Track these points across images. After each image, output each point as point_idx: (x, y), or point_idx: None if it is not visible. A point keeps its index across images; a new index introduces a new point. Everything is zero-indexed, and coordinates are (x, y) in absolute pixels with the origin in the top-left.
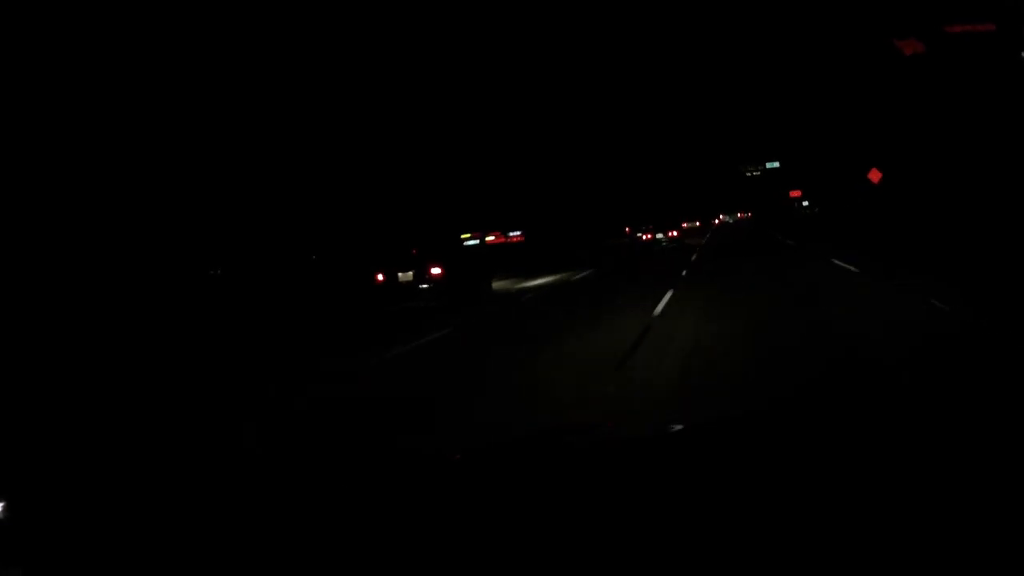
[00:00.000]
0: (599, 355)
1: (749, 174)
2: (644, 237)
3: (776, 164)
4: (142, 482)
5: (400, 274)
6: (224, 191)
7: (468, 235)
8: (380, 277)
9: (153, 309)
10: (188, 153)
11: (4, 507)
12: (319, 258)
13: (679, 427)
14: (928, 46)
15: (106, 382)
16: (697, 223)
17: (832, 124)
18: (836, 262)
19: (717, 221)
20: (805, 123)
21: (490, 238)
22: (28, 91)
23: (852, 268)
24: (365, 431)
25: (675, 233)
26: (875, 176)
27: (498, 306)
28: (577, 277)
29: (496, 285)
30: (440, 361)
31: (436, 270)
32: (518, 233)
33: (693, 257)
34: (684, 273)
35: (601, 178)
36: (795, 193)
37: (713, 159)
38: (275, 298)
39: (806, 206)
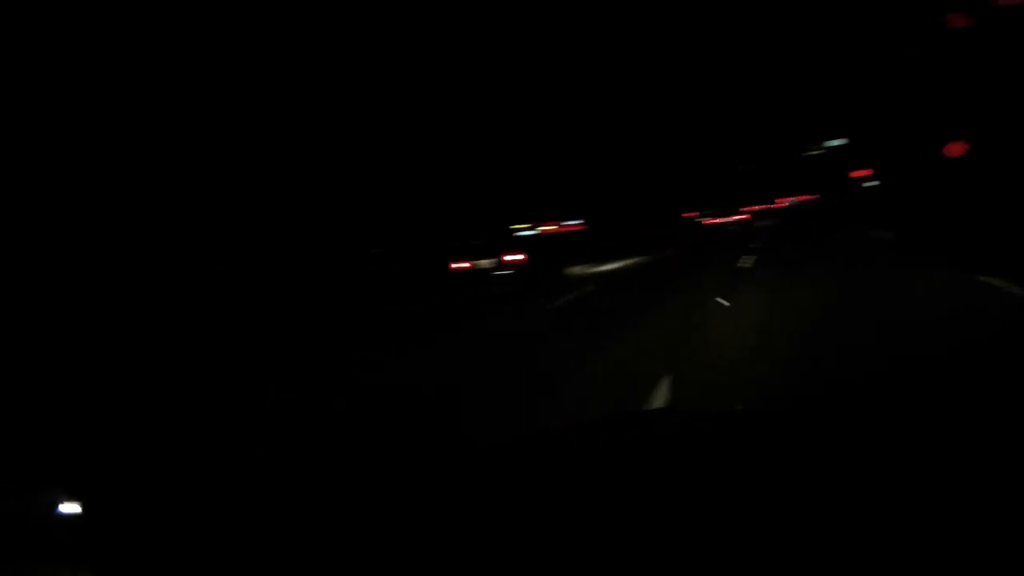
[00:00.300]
0: (670, 331)
1: (811, 154)
2: (709, 221)
3: (841, 142)
4: (205, 476)
5: (480, 262)
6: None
7: (522, 225)
8: (461, 265)
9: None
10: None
11: (81, 508)
12: (383, 251)
13: (753, 410)
14: (978, 19)
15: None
16: (762, 206)
17: (902, 94)
18: None
19: (780, 204)
20: (872, 96)
21: (547, 228)
22: (28, 87)
23: None
24: (427, 420)
25: (739, 216)
26: (956, 150)
27: (576, 290)
28: (647, 261)
29: (570, 271)
30: (529, 341)
31: (514, 257)
32: (578, 222)
33: (756, 244)
34: (753, 251)
35: (662, 164)
36: (862, 172)
37: (774, 140)
38: (331, 291)
39: (873, 185)
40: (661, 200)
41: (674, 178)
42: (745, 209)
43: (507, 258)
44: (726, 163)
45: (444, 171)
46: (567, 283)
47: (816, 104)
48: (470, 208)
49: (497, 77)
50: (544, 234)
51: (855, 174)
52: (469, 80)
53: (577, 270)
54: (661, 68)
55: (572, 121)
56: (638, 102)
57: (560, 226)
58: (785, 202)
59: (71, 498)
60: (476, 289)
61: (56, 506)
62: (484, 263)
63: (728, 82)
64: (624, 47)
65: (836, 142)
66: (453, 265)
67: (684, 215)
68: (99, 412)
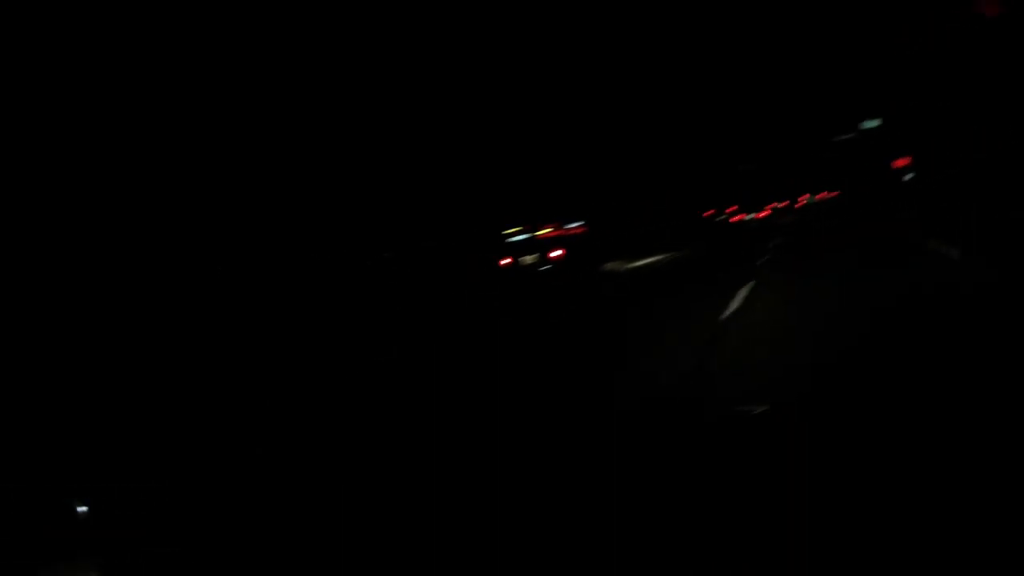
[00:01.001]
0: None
1: (839, 139)
2: (734, 219)
3: (876, 123)
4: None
5: (523, 258)
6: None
7: (516, 228)
8: (505, 261)
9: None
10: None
11: (87, 508)
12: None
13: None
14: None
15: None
16: (783, 203)
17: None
18: None
19: (801, 202)
20: (914, 65)
21: (544, 231)
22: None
23: None
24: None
25: (761, 214)
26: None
27: (617, 279)
28: (677, 256)
29: (607, 266)
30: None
31: (556, 253)
32: (579, 224)
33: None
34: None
35: (675, 163)
36: (901, 162)
37: (795, 128)
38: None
39: (911, 179)
40: (678, 200)
41: (691, 177)
42: (768, 207)
43: (552, 255)
44: (749, 159)
45: (428, 174)
46: (608, 276)
47: (845, 79)
48: (456, 211)
49: (489, 75)
50: (542, 238)
51: (899, 163)
52: (459, 80)
53: (612, 265)
54: (668, 57)
55: (573, 121)
56: (647, 98)
57: (561, 229)
58: (804, 199)
59: (81, 500)
60: (529, 282)
61: (68, 507)
62: (527, 259)
63: (745, 63)
64: (630, 38)
65: (869, 124)
66: (504, 261)
67: (705, 214)
68: (106, 413)
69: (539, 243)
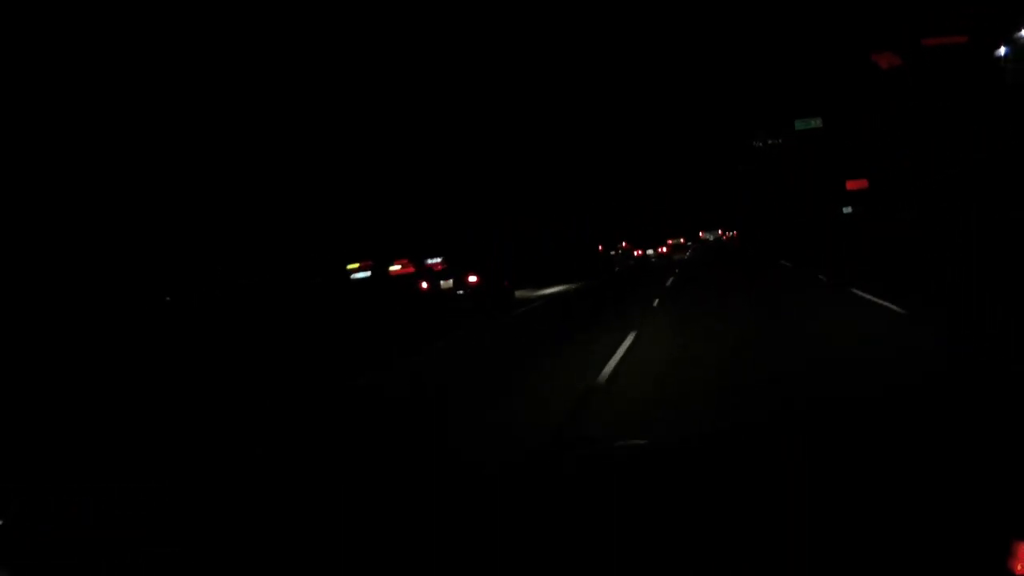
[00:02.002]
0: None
1: (760, 144)
2: (639, 253)
3: (815, 123)
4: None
5: (442, 282)
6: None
7: (356, 265)
8: (424, 285)
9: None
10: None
11: (1, 523)
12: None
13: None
14: (905, 59)
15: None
16: (681, 240)
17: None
18: None
19: (699, 236)
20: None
21: (395, 267)
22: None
23: None
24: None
25: (661, 249)
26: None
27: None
28: (579, 286)
29: (518, 293)
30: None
31: (472, 279)
32: (438, 260)
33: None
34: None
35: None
36: (856, 184)
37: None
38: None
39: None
40: (576, 233)
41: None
42: (671, 242)
43: (469, 279)
44: (643, 190)
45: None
46: (520, 302)
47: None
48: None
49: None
50: (395, 274)
51: (854, 185)
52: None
53: (522, 293)
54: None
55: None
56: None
57: (413, 266)
58: (701, 235)
59: None
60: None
61: None
62: (445, 284)
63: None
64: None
65: (807, 123)
66: (424, 285)
67: (600, 248)
68: (106, 414)
69: (459, 269)
